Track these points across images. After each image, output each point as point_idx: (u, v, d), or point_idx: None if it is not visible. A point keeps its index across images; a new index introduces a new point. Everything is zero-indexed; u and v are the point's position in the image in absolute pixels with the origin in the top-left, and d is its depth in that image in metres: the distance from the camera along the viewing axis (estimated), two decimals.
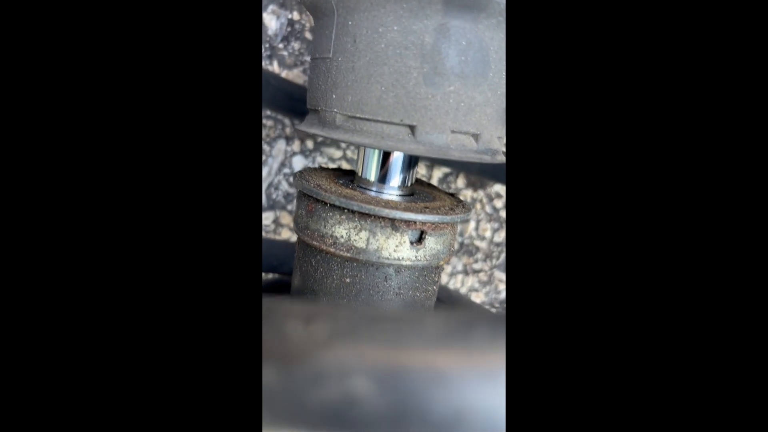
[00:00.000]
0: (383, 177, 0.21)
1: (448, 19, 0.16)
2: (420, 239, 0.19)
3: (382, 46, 0.16)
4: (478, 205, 0.38)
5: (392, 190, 0.21)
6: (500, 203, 0.38)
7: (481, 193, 0.39)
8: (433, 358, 0.14)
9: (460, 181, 0.38)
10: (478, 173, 0.32)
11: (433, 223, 0.19)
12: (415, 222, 0.18)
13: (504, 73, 0.18)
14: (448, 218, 0.19)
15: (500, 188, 0.37)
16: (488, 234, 0.41)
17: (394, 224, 0.18)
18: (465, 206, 0.22)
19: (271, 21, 0.34)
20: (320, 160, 0.38)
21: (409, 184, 0.22)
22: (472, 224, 0.38)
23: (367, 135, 0.17)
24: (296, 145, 0.38)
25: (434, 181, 0.38)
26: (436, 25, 0.16)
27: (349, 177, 0.23)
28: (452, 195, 0.24)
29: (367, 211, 0.18)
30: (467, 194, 0.38)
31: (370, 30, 0.16)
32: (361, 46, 0.17)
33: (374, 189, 0.21)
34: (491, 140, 0.19)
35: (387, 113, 0.17)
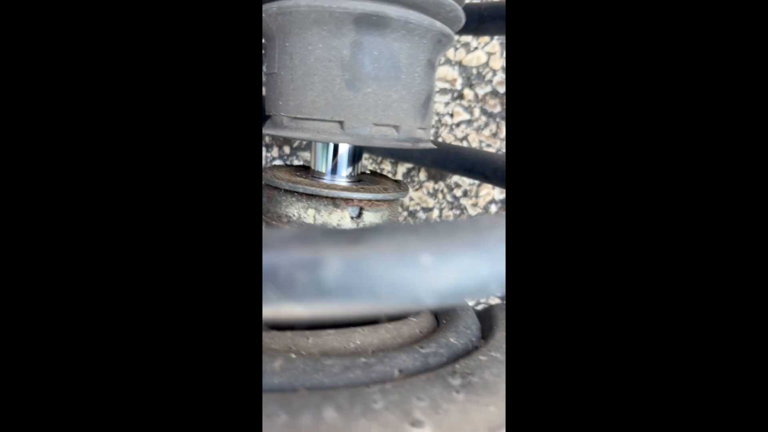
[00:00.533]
0: (333, 168, 0.26)
1: (360, 36, 0.20)
2: (359, 215, 0.23)
3: (311, 60, 0.21)
4: (440, 195, 0.42)
5: (340, 179, 0.25)
6: (459, 192, 0.42)
7: (441, 184, 0.42)
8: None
9: (422, 174, 0.42)
10: (434, 166, 0.36)
11: (368, 200, 0.23)
12: (352, 199, 0.22)
13: (415, 74, 0.22)
14: (380, 195, 0.23)
15: (458, 179, 0.41)
16: (451, 220, 0.45)
17: (335, 202, 0.22)
18: (402, 187, 0.26)
19: None
20: (296, 163, 0.43)
21: (355, 174, 0.26)
22: (435, 212, 0.42)
23: (306, 131, 0.22)
24: (275, 152, 0.42)
25: (399, 176, 0.42)
26: (351, 41, 0.20)
27: (306, 170, 0.28)
28: (397, 181, 0.28)
29: (311, 192, 0.22)
30: (429, 185, 0.42)
31: (302, 48, 0.21)
32: (297, 61, 0.21)
33: (325, 178, 0.25)
34: (411, 130, 0.23)
35: (320, 113, 0.21)
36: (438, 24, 0.22)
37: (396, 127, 0.22)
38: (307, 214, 0.22)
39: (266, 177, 0.24)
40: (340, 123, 0.21)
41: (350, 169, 0.25)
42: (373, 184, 0.26)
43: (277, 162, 0.42)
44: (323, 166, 0.25)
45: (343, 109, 0.21)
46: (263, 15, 0.21)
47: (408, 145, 0.23)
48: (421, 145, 0.24)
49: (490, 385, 0.18)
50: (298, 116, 0.22)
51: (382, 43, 0.21)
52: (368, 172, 0.29)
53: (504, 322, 0.21)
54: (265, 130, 0.24)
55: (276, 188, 0.23)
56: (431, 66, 0.24)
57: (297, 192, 0.22)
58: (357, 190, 0.22)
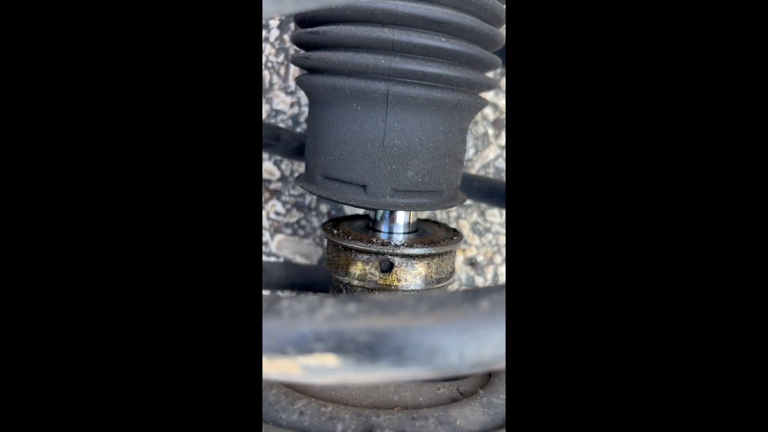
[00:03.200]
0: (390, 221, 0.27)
1: (390, 111, 0.22)
2: (390, 268, 0.24)
3: (345, 130, 0.23)
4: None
5: (398, 228, 0.27)
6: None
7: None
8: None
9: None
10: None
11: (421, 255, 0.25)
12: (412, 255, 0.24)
13: (433, 147, 0.23)
14: (422, 250, 0.24)
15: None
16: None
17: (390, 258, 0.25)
18: (455, 236, 0.28)
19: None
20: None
21: (411, 222, 0.28)
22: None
23: (334, 192, 0.24)
24: None
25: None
26: (381, 117, 0.22)
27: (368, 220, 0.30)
28: (449, 228, 0.30)
29: (365, 249, 0.25)
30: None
31: (337, 118, 0.23)
32: (332, 129, 0.23)
33: (384, 230, 0.27)
34: (431, 192, 0.24)
35: (348, 176, 0.23)
36: (465, 97, 0.23)
37: (412, 192, 0.24)
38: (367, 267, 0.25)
39: (328, 235, 0.26)
40: (364, 187, 0.23)
41: (407, 221, 0.27)
42: (429, 234, 0.28)
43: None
44: (381, 221, 0.27)
45: (368, 173, 0.23)
46: (305, 82, 0.24)
47: (428, 205, 0.24)
48: (448, 204, 0.25)
49: None
50: (329, 176, 0.24)
51: (408, 117, 0.22)
52: (423, 219, 0.31)
53: None
54: (298, 182, 0.26)
55: (338, 245, 0.26)
56: (460, 131, 0.25)
57: (355, 249, 0.25)
58: (405, 246, 0.25)
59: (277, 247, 0.43)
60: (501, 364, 0.15)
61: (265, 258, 0.44)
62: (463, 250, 0.40)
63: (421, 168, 0.23)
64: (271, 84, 0.41)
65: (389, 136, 0.22)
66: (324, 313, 0.14)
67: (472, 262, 0.39)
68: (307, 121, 0.27)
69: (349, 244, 0.25)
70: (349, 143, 0.23)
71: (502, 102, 0.40)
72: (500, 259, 0.40)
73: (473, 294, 0.14)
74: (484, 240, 0.40)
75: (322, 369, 0.14)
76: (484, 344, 0.13)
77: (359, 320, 0.13)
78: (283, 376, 0.16)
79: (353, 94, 0.22)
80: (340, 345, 0.13)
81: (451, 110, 0.23)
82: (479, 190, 0.35)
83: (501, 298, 0.14)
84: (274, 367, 0.16)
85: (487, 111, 0.41)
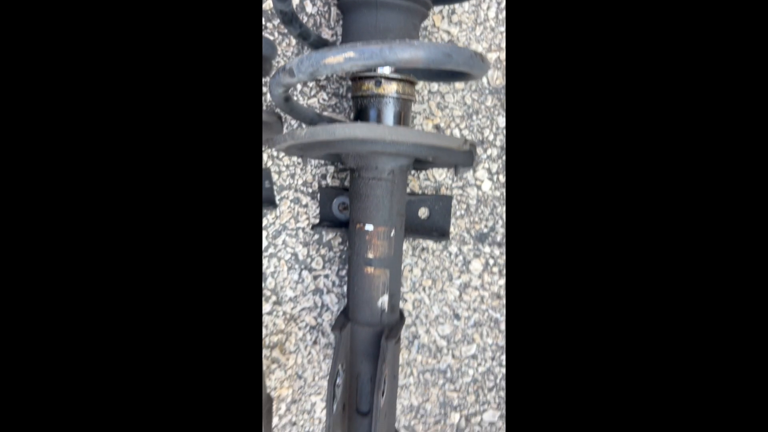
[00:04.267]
0: None
1: (378, 12, 0.40)
2: None
3: (358, 22, 0.41)
4: None
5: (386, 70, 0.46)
6: None
7: None
8: None
9: None
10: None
11: None
12: None
13: (400, 29, 0.42)
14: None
15: None
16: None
17: None
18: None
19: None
20: None
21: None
22: None
23: None
24: None
25: None
26: (374, 15, 0.40)
27: None
28: None
29: None
30: None
31: (354, 19, 0.41)
32: (352, 23, 0.41)
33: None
34: None
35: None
36: (417, 6, 0.42)
37: None
38: None
39: None
40: None
41: None
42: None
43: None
44: None
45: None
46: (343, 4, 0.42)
47: None
48: None
49: None
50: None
51: (388, 14, 0.41)
52: None
53: None
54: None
55: None
56: (414, 26, 0.44)
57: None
58: None
59: None
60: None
61: None
62: (432, 120, 0.59)
63: (394, 36, 0.41)
64: None
65: (379, 24, 0.41)
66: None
67: (437, 127, 0.59)
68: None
69: None
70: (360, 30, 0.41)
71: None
72: (455, 125, 0.59)
73: None
74: (444, 113, 0.59)
75: None
76: None
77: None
78: None
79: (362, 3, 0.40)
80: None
81: (409, 11, 0.41)
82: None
83: None
84: None
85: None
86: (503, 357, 0.62)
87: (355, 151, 0.44)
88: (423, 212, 0.56)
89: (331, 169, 0.61)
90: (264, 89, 0.56)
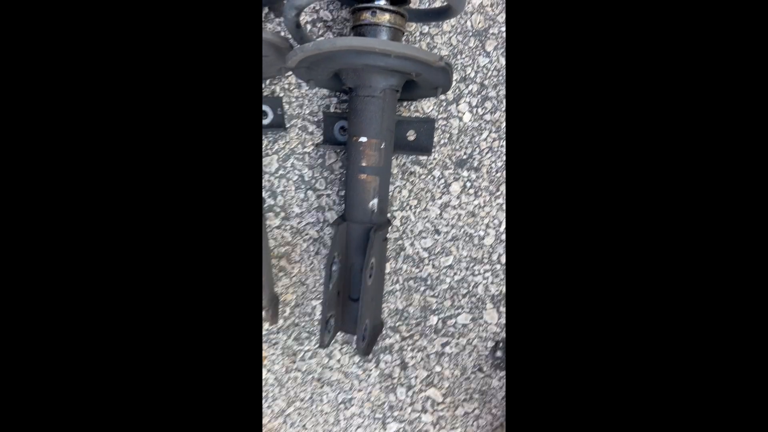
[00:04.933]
0: None
1: None
2: None
3: None
4: None
5: None
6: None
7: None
8: None
9: None
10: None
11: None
12: None
13: None
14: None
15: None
16: None
17: None
18: None
19: None
20: None
21: None
22: None
23: None
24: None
25: None
26: None
27: None
28: None
29: None
30: None
31: None
32: None
33: None
34: None
35: None
36: None
37: None
38: None
39: None
40: None
41: None
42: None
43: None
44: None
45: None
46: None
47: None
48: None
49: None
50: None
51: None
52: None
53: None
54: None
55: None
56: None
57: None
58: None
59: None
60: None
61: None
62: None
63: None
64: None
65: None
66: None
67: None
68: None
69: None
70: None
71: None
72: None
73: None
74: (433, 52, 0.69)
75: None
76: None
77: None
78: None
79: None
80: None
81: None
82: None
83: None
84: None
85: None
86: (476, 267, 0.73)
87: (352, 65, 0.54)
88: (410, 134, 0.67)
89: (335, 100, 0.71)
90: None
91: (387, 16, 0.54)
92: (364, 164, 0.59)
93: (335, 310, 0.63)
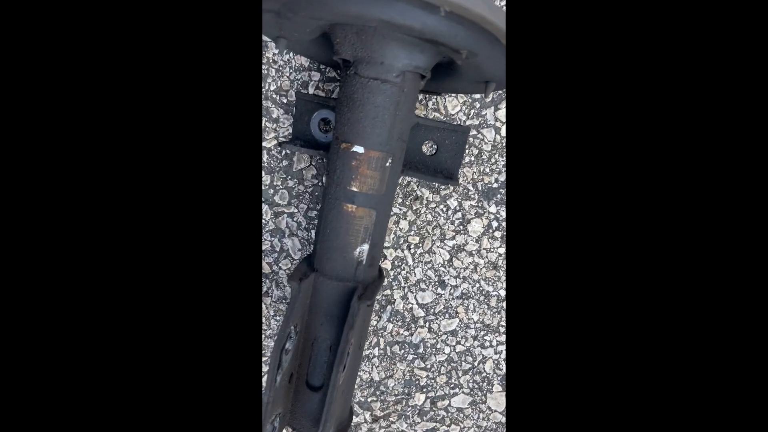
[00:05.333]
0: None
1: None
2: None
3: None
4: None
5: None
6: None
7: None
8: None
9: None
10: None
11: None
12: None
13: None
14: None
15: None
16: None
17: None
18: None
19: None
20: None
21: None
22: None
23: None
24: None
25: None
26: None
27: None
28: None
29: None
30: None
31: None
32: None
33: None
34: None
35: None
36: None
37: None
38: None
39: None
40: None
41: None
42: None
43: None
44: None
45: None
46: None
47: None
48: None
49: None
50: None
51: None
52: None
53: None
54: None
55: None
56: None
57: None
58: None
59: None
60: None
61: None
62: None
63: None
64: None
65: None
66: None
67: None
68: None
69: None
70: None
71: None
72: None
73: None
74: None
75: None
76: None
77: None
78: None
79: None
80: None
81: None
82: None
83: None
84: None
85: None
86: (488, 337, 0.53)
87: (358, 18, 0.30)
88: (429, 147, 0.44)
89: (317, 76, 0.47)
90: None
91: None
92: (354, 189, 0.36)
93: (283, 403, 0.41)
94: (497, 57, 0.31)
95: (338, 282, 0.39)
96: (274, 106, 0.48)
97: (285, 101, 0.47)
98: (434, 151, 0.43)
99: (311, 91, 0.47)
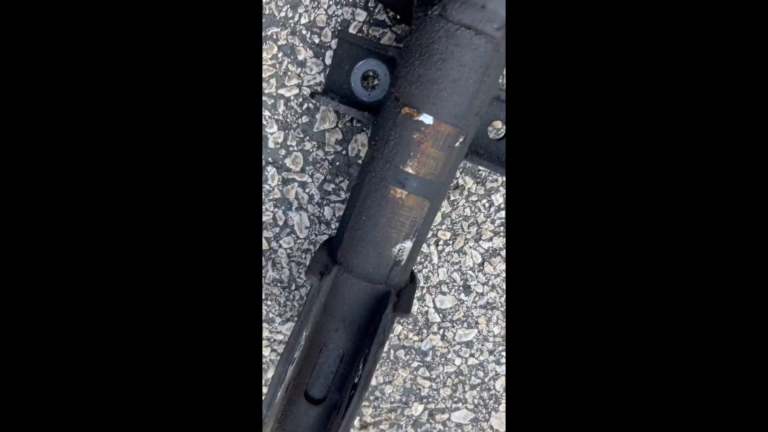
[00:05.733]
0: None
1: None
2: None
3: None
4: None
5: None
6: None
7: None
8: None
9: None
10: None
11: None
12: None
13: None
14: None
15: None
16: None
17: None
18: None
19: None
20: None
21: None
22: None
23: None
24: None
25: None
26: None
27: None
28: None
29: None
30: None
31: None
32: None
33: None
34: None
35: None
36: None
37: None
38: None
39: None
40: None
41: None
42: None
43: None
44: None
45: None
46: None
47: None
48: None
49: None
50: None
51: None
52: None
53: None
54: None
55: None
56: None
57: None
58: None
59: None
60: None
61: None
62: None
63: None
64: None
65: None
66: None
67: None
68: None
69: None
70: None
71: None
72: None
73: None
74: None
75: None
76: None
77: None
78: None
79: None
80: None
81: None
82: None
83: None
84: None
85: None
86: (504, 353, 0.47)
87: None
88: (498, 128, 0.36)
89: (362, 16, 0.37)
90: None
91: None
92: (410, 170, 0.28)
93: (275, 414, 0.33)
94: None
95: (367, 283, 0.31)
96: (302, 44, 0.37)
97: (317, 41, 0.37)
98: (501, 135, 0.35)
99: (354, 31, 0.37)
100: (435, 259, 0.44)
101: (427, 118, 0.27)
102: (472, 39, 0.25)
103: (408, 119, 0.27)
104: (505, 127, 0.35)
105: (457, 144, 0.28)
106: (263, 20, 0.37)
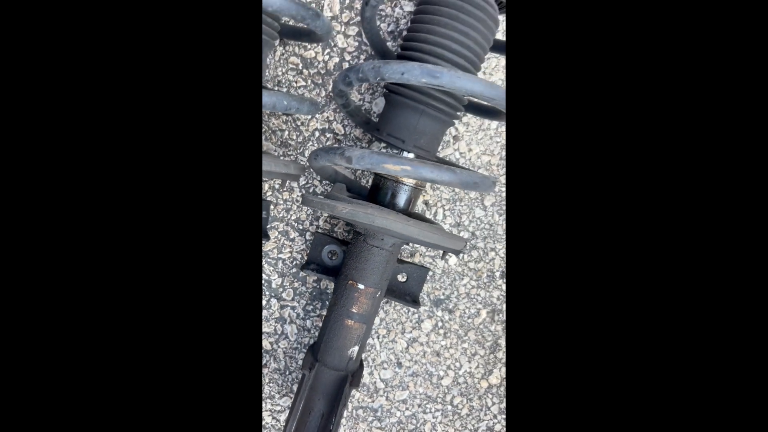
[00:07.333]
0: None
1: None
2: None
3: None
4: None
5: None
6: None
7: None
8: None
9: None
10: None
11: None
12: None
13: None
14: None
15: None
16: None
17: None
18: None
19: None
20: None
21: None
22: None
23: None
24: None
25: None
26: None
27: None
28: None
29: None
30: None
31: None
32: None
33: None
34: None
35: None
36: None
37: None
38: None
39: None
40: None
41: None
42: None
43: None
44: None
45: None
46: None
47: None
48: None
49: None
50: None
51: None
52: None
53: None
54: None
55: None
56: None
57: None
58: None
59: None
60: None
61: None
62: (424, 196, 0.68)
63: (427, 140, 0.50)
64: None
65: (419, 127, 0.49)
66: None
67: (426, 203, 0.68)
68: None
69: None
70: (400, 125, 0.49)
71: None
72: (440, 205, 0.69)
73: None
74: (435, 193, 0.69)
75: None
76: None
77: None
78: None
79: (409, 106, 0.48)
80: None
81: (444, 123, 0.50)
82: None
83: None
84: None
85: None
86: (429, 405, 0.72)
87: (370, 227, 0.50)
88: (402, 277, 0.64)
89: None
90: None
91: (412, 181, 0.52)
92: (354, 310, 0.55)
93: None
94: (452, 247, 0.53)
95: (335, 371, 0.56)
96: (292, 230, 0.66)
97: (301, 227, 0.66)
98: (405, 280, 0.64)
99: (321, 223, 0.65)
100: (378, 347, 0.70)
101: (361, 286, 0.55)
102: (379, 252, 0.54)
103: (352, 287, 0.55)
104: (406, 277, 0.64)
105: (377, 295, 0.56)
106: (268, 219, 0.65)
